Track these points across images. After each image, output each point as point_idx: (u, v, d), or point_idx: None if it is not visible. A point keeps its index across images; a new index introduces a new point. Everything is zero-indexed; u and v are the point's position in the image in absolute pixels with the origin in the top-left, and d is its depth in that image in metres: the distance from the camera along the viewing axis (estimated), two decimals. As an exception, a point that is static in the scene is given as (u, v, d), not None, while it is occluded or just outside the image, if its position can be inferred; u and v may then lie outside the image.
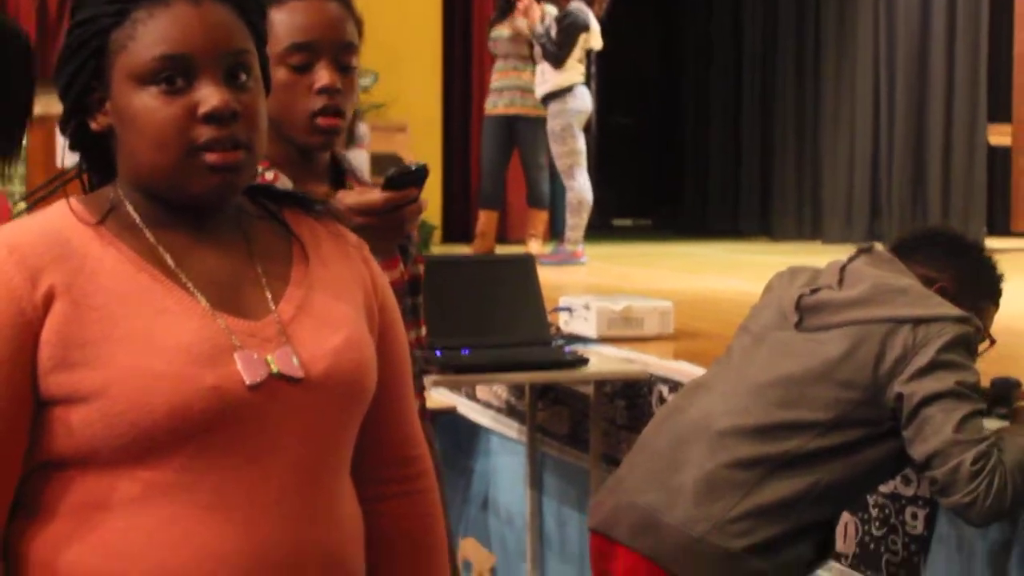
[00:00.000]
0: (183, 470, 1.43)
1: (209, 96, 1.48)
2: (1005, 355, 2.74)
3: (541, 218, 8.86)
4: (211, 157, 1.48)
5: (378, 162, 7.64)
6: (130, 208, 1.53)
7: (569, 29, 8.11)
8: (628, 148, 13.57)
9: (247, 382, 1.45)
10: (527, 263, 4.15)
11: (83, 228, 1.49)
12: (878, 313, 2.60)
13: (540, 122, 8.40)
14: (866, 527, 3.07)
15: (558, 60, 8.09)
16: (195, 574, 1.43)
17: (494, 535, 4.96)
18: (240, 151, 1.50)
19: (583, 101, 8.21)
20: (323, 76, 2.09)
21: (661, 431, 2.73)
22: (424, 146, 9.81)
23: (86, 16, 1.51)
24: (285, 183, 2.07)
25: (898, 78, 10.29)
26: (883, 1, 10.48)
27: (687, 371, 3.82)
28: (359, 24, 2.17)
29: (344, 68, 2.12)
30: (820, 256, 9.90)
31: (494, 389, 4.75)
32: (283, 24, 2.08)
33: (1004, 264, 2.89)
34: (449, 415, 4.99)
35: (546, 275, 4.14)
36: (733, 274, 8.18)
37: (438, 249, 9.31)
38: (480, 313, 3.95)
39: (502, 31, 8.62)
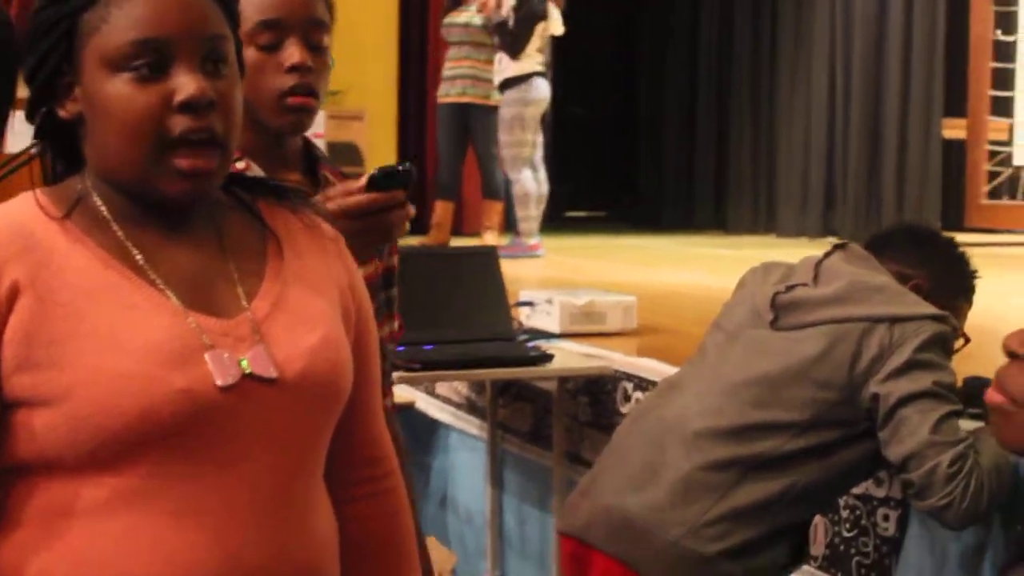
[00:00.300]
0: (151, 475, 1.37)
1: (185, 84, 1.41)
2: (974, 353, 2.71)
3: (496, 209, 8.77)
4: (182, 162, 1.41)
5: (335, 151, 7.55)
6: (98, 200, 1.46)
7: (526, 19, 8.03)
8: (583, 139, 13.54)
9: (219, 384, 1.39)
10: (490, 256, 4.09)
11: (48, 221, 1.42)
12: (854, 312, 2.56)
13: (494, 111, 8.32)
14: (836, 528, 3.03)
15: (515, 51, 8.02)
16: None
17: (453, 533, 4.90)
18: (215, 152, 1.43)
19: (537, 91, 8.11)
20: (293, 54, 2.01)
21: (634, 432, 2.67)
22: (380, 135, 9.73)
23: None
24: (256, 173, 2.00)
25: (854, 72, 10.29)
26: (839, -4, 10.49)
27: (652, 368, 3.77)
28: (330, 4, 2.10)
29: (315, 47, 2.04)
30: (775, 249, 9.96)
31: (454, 385, 4.68)
32: (250, 3, 2.00)
33: (967, 260, 2.85)
34: (407, 410, 4.92)
35: (502, 268, 4.08)
36: (690, 267, 8.18)
37: (392, 240, 9.20)
38: (442, 307, 3.88)
39: (456, 18, 8.54)
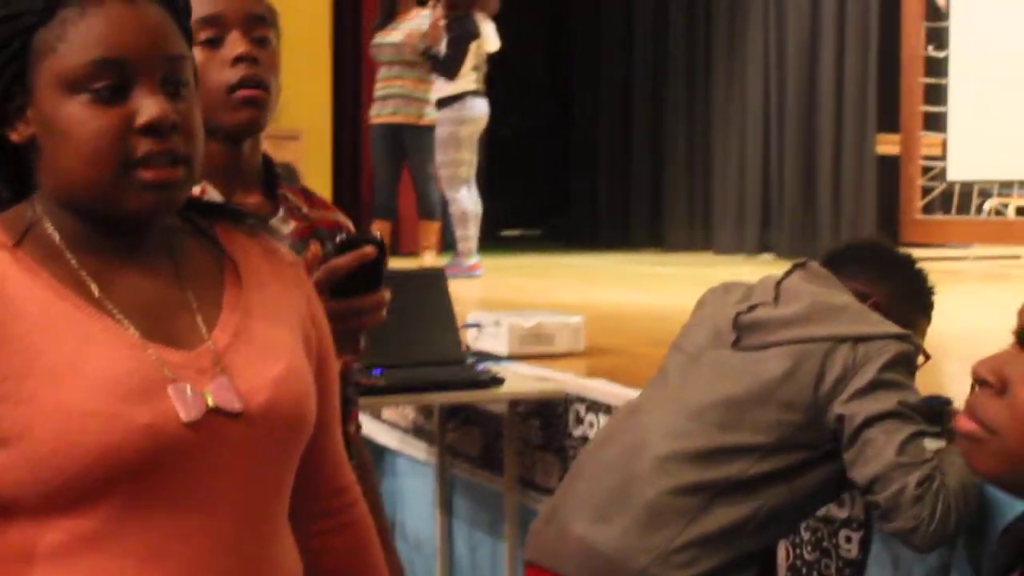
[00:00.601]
0: (113, 518, 1.31)
1: (147, 106, 1.35)
2: (927, 370, 2.70)
3: (433, 229, 8.73)
4: (147, 174, 1.35)
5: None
6: (50, 227, 1.39)
7: (458, 40, 7.97)
8: (516, 157, 13.51)
9: (184, 419, 1.33)
10: (438, 278, 4.03)
11: None
12: (817, 331, 2.53)
13: (428, 131, 8.27)
14: (798, 551, 2.99)
15: (451, 74, 7.96)
16: None
17: (402, 560, 4.81)
18: (179, 167, 1.37)
19: (471, 110, 8.05)
20: (237, 46, 1.94)
21: (598, 457, 2.63)
22: (315, 155, 9.65)
23: (7, 13, 1.36)
24: (213, 196, 1.94)
25: (788, 88, 10.34)
26: (773, 13, 10.54)
27: (604, 389, 3.73)
28: (270, 7, 2.04)
29: (258, 40, 1.98)
30: (713, 267, 10.01)
31: (401, 409, 4.62)
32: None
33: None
34: (352, 435, 4.84)
35: (444, 289, 4.05)
36: (629, 285, 8.17)
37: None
38: (390, 330, 3.79)
39: (385, 38, 8.48)
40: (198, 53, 1.92)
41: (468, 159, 8.12)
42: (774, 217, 10.48)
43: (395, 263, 8.46)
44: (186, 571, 1.33)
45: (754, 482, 2.48)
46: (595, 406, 3.70)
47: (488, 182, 11.31)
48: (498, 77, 8.21)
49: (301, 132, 9.14)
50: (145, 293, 1.40)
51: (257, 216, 1.57)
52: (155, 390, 1.32)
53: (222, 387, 1.37)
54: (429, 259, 8.40)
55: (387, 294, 1.89)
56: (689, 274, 8.97)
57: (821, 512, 2.89)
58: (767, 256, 10.38)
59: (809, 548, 2.96)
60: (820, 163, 10.05)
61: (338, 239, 1.85)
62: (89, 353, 1.32)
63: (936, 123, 9.52)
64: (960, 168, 9.35)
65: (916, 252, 2.95)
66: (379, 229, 8.48)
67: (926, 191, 9.55)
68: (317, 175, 8.72)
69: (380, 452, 4.87)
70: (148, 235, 1.42)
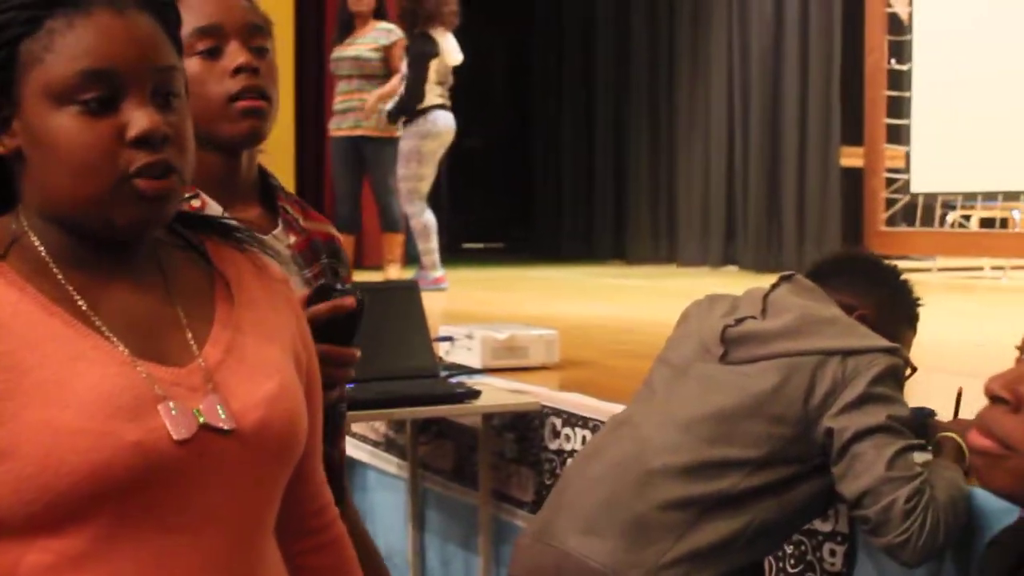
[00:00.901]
0: (100, 538, 1.27)
1: (138, 118, 1.32)
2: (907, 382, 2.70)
3: (397, 241, 8.68)
4: (142, 184, 1.32)
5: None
6: (35, 240, 1.36)
7: (417, 60, 7.92)
8: (478, 170, 13.48)
9: (175, 437, 1.29)
10: (411, 291, 3.98)
11: None
12: (807, 345, 2.51)
13: (388, 143, 8.22)
14: (781, 564, 2.96)
15: (415, 95, 7.91)
16: None
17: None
18: (172, 178, 1.34)
19: (434, 125, 7.99)
20: (237, 56, 1.92)
21: (586, 471, 2.59)
22: (279, 169, 9.47)
23: None
24: (214, 208, 1.89)
25: (752, 102, 10.37)
26: (736, 25, 10.57)
27: (581, 403, 3.70)
28: (265, 16, 2.00)
29: (257, 50, 1.95)
30: (677, 279, 10.00)
31: (372, 422, 4.57)
32: (186, 10, 1.91)
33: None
34: (322, 449, 4.78)
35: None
36: (594, 298, 8.17)
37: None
38: (364, 343, 3.76)
39: (344, 52, 8.42)
40: (196, 64, 1.89)
41: (429, 174, 8.08)
42: (738, 229, 10.50)
43: (361, 277, 8.42)
44: None
45: (744, 496, 2.45)
46: (572, 419, 3.67)
47: (450, 195, 11.29)
48: (460, 90, 8.16)
49: (264, 145, 9.08)
50: (134, 309, 1.37)
51: (247, 230, 1.54)
52: (145, 408, 1.29)
53: (213, 405, 1.34)
54: (393, 272, 8.35)
55: (357, 352, 1.85)
56: (653, 287, 8.98)
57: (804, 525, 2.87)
58: (731, 268, 10.40)
59: (792, 562, 2.93)
60: (784, 176, 10.08)
61: (316, 285, 1.83)
62: (78, 370, 1.29)
63: (899, 136, 9.56)
64: (923, 180, 9.40)
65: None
66: (344, 243, 8.37)
67: (890, 203, 9.59)
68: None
69: (350, 465, 4.81)
70: (137, 249, 1.39)
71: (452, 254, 10.53)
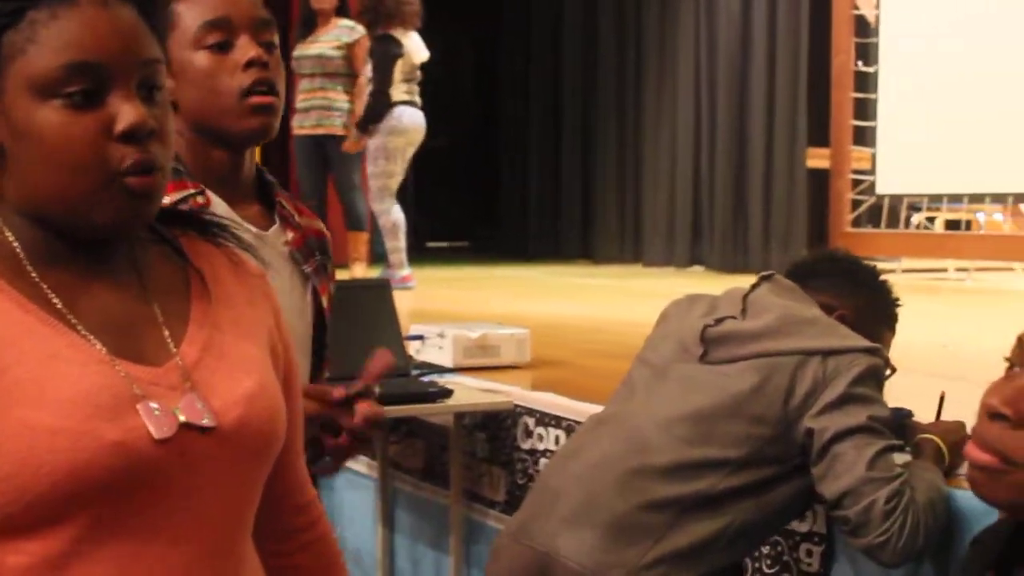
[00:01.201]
0: (80, 540, 1.24)
1: (125, 112, 1.29)
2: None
3: (362, 240, 8.61)
4: (133, 181, 1.29)
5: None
6: (10, 236, 1.32)
7: (382, 64, 7.88)
8: (443, 169, 13.44)
9: (155, 436, 1.26)
10: (383, 289, 3.96)
11: None
12: (787, 345, 2.50)
13: None
14: (757, 565, 2.95)
15: (382, 97, 7.87)
16: None
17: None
18: (157, 174, 1.31)
19: (400, 121, 7.94)
20: (248, 49, 1.89)
21: (564, 472, 2.57)
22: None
23: None
24: (218, 205, 1.88)
25: (719, 103, 10.39)
26: (704, 26, 10.58)
27: (553, 402, 3.68)
28: (271, 13, 1.98)
29: (266, 45, 1.92)
30: (644, 279, 9.99)
31: (341, 421, 4.52)
32: (190, 10, 1.90)
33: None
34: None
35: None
36: (562, 297, 8.16)
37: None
38: (334, 342, 3.72)
39: (307, 50, 8.35)
40: (205, 57, 1.87)
41: (398, 171, 8.04)
42: (704, 230, 10.51)
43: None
44: None
45: (723, 497, 2.44)
46: (545, 419, 3.65)
47: (416, 194, 11.24)
48: (426, 89, 8.12)
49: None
50: (110, 307, 1.34)
51: (222, 224, 1.50)
52: (124, 407, 1.27)
53: (192, 403, 1.31)
54: (359, 270, 8.30)
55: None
56: (620, 286, 8.98)
57: (781, 526, 2.86)
58: (697, 269, 10.40)
59: (768, 562, 2.92)
60: (751, 176, 10.09)
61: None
62: (56, 369, 1.26)
63: (865, 137, 9.60)
64: (889, 182, 9.44)
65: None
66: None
67: (856, 205, 9.63)
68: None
69: (318, 465, 4.78)
70: (116, 247, 1.37)
71: (417, 253, 10.50)
